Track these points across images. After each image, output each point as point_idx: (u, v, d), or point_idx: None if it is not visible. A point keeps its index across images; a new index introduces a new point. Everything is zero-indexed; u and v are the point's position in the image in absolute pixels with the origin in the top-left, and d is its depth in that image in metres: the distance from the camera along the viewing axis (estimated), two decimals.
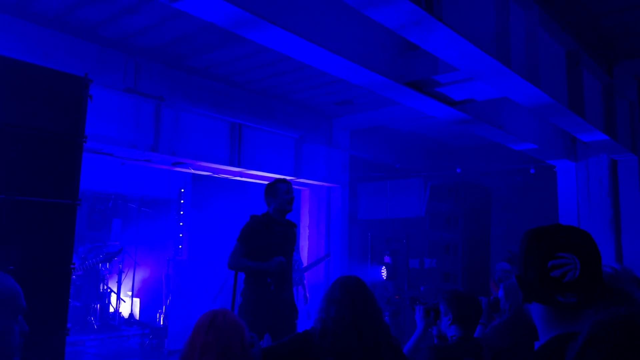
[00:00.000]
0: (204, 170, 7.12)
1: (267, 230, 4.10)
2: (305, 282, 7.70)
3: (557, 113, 4.82)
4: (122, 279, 8.52)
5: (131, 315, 8.55)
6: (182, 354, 1.86)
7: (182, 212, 8.70)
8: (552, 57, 4.65)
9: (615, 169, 6.42)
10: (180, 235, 8.62)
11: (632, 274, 3.17)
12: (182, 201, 8.67)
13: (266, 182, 4.57)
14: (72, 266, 3.25)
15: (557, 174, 6.96)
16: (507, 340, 3.09)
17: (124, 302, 8.52)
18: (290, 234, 4.33)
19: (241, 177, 7.52)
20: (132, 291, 8.64)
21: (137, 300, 8.69)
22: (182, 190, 8.73)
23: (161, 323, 7.97)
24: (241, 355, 1.84)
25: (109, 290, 8.29)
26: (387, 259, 8.94)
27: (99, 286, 8.13)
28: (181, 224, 8.64)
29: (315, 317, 2.57)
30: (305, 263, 8.07)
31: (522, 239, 1.35)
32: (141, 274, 8.78)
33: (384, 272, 8.70)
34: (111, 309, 8.27)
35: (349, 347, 2.39)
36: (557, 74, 4.73)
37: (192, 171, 7.16)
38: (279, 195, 4.22)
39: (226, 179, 7.59)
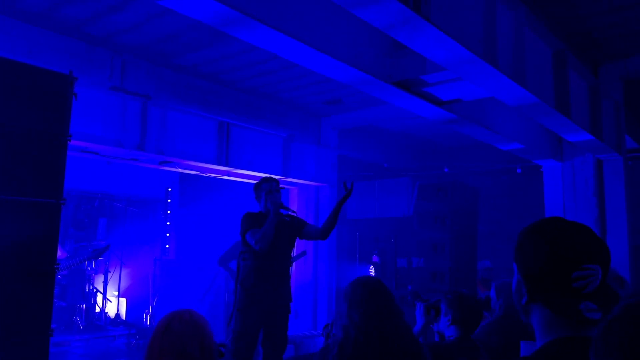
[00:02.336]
0: (191, 169, 7.08)
1: (261, 225, 4.08)
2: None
3: (543, 113, 4.86)
4: (109, 278, 8.44)
5: (117, 315, 8.47)
6: (144, 357, 1.83)
7: (169, 212, 8.65)
8: (539, 57, 4.68)
9: (601, 169, 6.49)
10: (168, 234, 8.57)
11: (616, 273, 3.21)
12: (169, 200, 8.61)
13: (254, 182, 4.55)
14: (56, 266, 3.20)
15: (544, 173, 7.02)
16: (496, 340, 3.11)
17: (110, 302, 8.43)
18: (286, 229, 4.26)
19: (229, 176, 7.49)
20: (119, 291, 8.56)
21: (123, 300, 8.61)
22: (170, 189, 8.68)
23: (148, 323, 7.91)
24: (200, 358, 1.77)
25: (95, 290, 8.20)
26: (375, 258, 8.97)
27: (85, 286, 8.04)
28: (168, 223, 8.59)
29: (338, 324, 2.36)
30: None
31: (536, 238, 1.27)
32: (128, 274, 8.71)
33: (372, 271, 8.74)
34: (97, 309, 8.18)
35: (370, 354, 2.19)
36: (544, 74, 4.76)
37: (180, 170, 7.11)
38: (263, 195, 4.24)
39: (214, 178, 7.55)
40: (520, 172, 8.77)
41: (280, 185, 4.41)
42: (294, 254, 6.91)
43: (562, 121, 5.02)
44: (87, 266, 7.96)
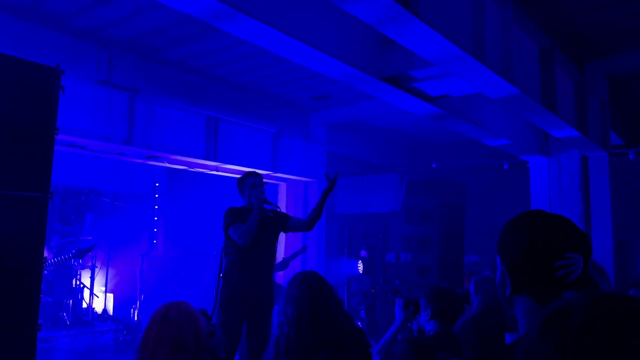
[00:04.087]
0: (179, 164, 7.04)
1: (244, 220, 4.08)
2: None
3: (530, 109, 4.91)
4: (96, 274, 8.39)
5: (104, 310, 8.43)
6: (138, 347, 1.85)
7: (156, 207, 8.60)
8: (526, 54, 4.73)
9: (586, 165, 6.57)
10: (155, 230, 8.53)
11: (596, 264, 3.26)
12: (156, 195, 8.57)
13: None
14: (43, 261, 3.18)
15: (530, 169, 7.09)
16: (474, 336, 3.12)
17: (97, 297, 8.39)
18: (269, 224, 4.26)
19: (217, 171, 7.46)
20: (106, 286, 8.52)
21: (110, 296, 8.57)
22: (157, 184, 8.63)
23: (135, 319, 7.89)
24: (195, 349, 1.81)
25: (81, 285, 8.15)
26: (363, 253, 9.02)
27: (72, 281, 7.99)
28: (156, 218, 8.55)
29: (276, 322, 2.42)
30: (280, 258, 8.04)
31: (517, 230, 1.29)
32: (115, 269, 8.66)
33: (360, 266, 8.78)
34: (84, 305, 8.14)
35: (303, 348, 2.26)
36: (531, 71, 4.81)
37: (167, 165, 7.07)
38: (247, 190, 4.23)
39: (202, 173, 7.52)
40: (507, 168, 8.85)
41: (265, 180, 4.41)
42: (292, 252, 6.89)
43: (549, 117, 5.08)
44: (74, 261, 7.90)
